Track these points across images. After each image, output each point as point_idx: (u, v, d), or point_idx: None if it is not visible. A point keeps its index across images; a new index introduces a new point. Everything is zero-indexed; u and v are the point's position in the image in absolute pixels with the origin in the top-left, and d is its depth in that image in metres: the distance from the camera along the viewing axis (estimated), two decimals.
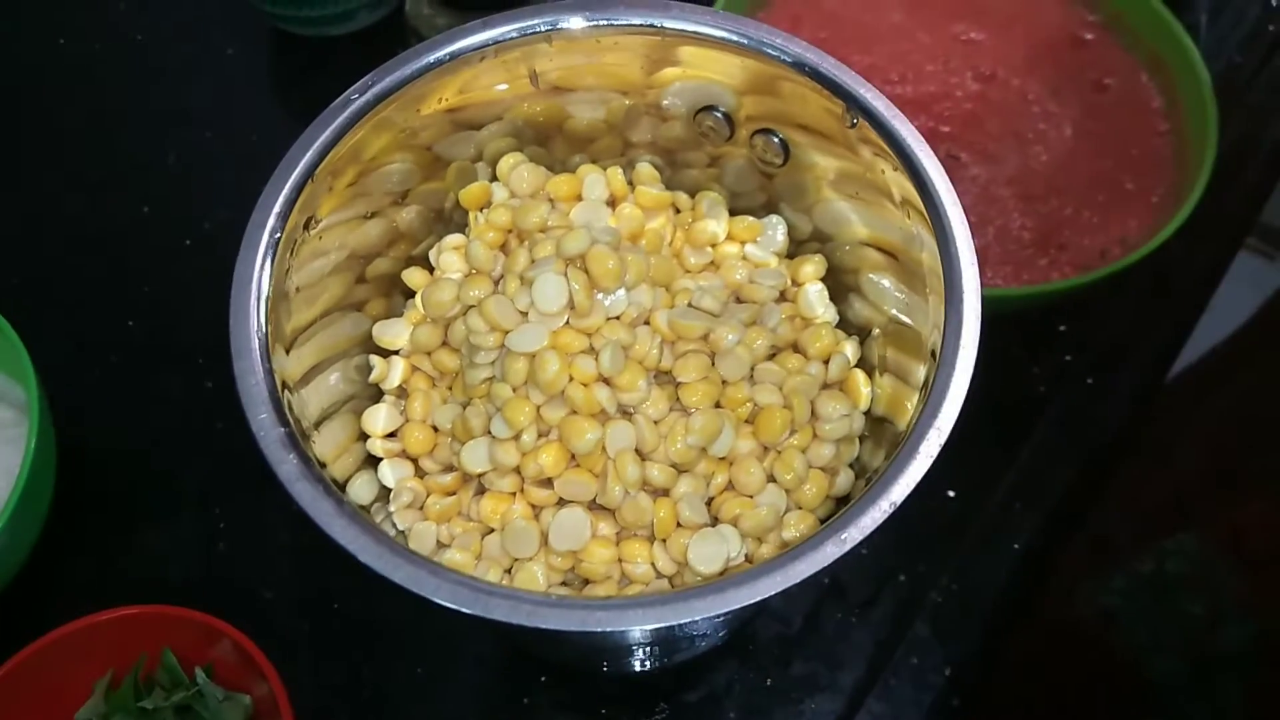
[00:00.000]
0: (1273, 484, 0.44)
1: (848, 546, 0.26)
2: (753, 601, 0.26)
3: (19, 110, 0.64)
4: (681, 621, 0.25)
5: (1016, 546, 0.49)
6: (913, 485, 0.28)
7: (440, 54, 0.34)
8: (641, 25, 0.35)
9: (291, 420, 0.29)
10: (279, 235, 0.31)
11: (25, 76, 0.65)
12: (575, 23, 0.35)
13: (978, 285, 0.31)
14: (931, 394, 0.30)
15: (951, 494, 0.50)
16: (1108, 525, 0.49)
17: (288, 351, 0.31)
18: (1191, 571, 0.45)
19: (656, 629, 0.26)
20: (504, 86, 0.37)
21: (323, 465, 0.29)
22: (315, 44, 0.63)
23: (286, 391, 0.30)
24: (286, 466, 0.27)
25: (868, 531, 0.27)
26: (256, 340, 0.29)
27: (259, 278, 0.30)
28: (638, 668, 0.42)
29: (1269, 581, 0.42)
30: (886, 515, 0.27)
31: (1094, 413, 0.53)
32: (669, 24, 0.35)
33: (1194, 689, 0.44)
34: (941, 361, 0.30)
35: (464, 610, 0.25)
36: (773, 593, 0.26)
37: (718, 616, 0.26)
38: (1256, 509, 0.43)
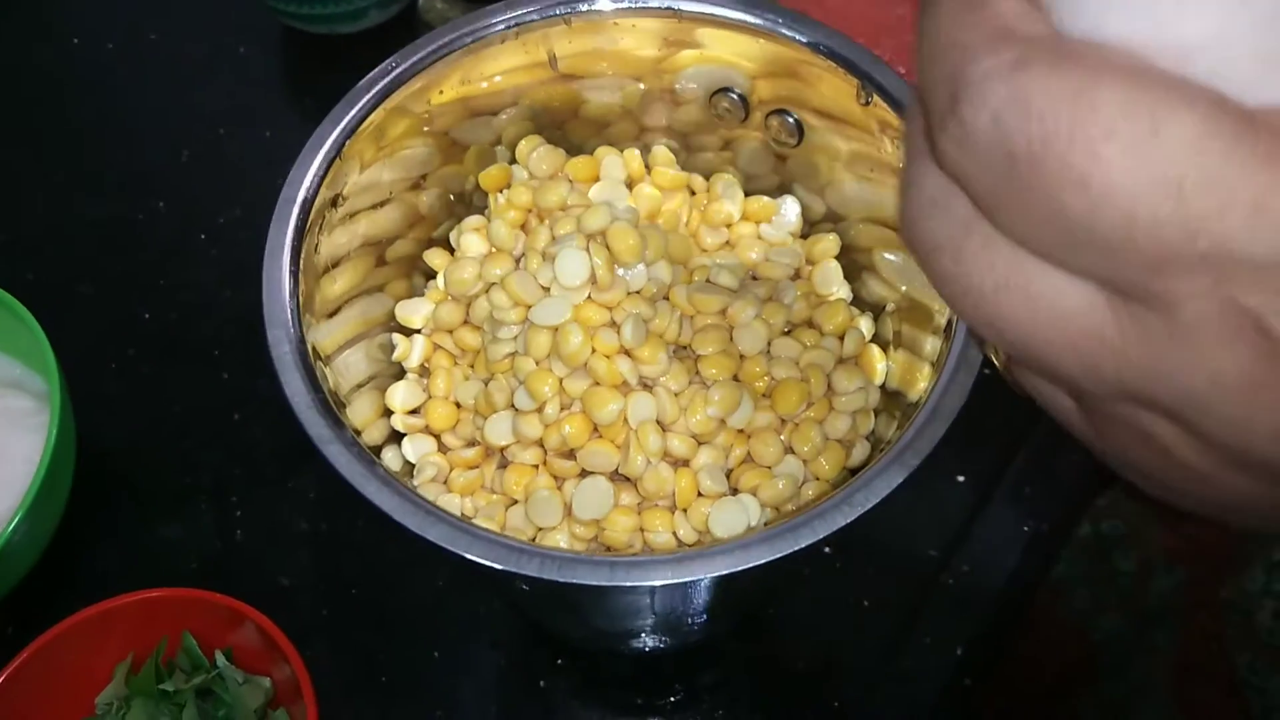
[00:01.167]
0: None
1: (872, 502, 0.27)
2: (775, 558, 0.26)
3: (36, 109, 0.65)
4: (704, 576, 0.26)
5: (1026, 529, 0.50)
6: (925, 453, 0.29)
7: (463, 33, 0.35)
8: (659, 8, 0.36)
9: (326, 389, 0.29)
10: (309, 210, 0.31)
11: (42, 76, 0.66)
12: (595, 4, 0.36)
13: None
14: (944, 367, 0.30)
15: (961, 478, 0.51)
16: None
17: (317, 323, 0.32)
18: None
19: (679, 584, 0.26)
20: (523, 71, 0.37)
21: (357, 433, 0.29)
22: (327, 42, 0.64)
23: (319, 362, 0.30)
24: (320, 430, 0.28)
25: (893, 485, 0.27)
26: (289, 310, 0.30)
27: (290, 249, 0.31)
28: (650, 645, 0.43)
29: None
30: (903, 477, 0.28)
31: None
32: (686, 7, 0.36)
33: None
34: (954, 336, 0.31)
35: (496, 566, 0.26)
36: (797, 548, 0.26)
37: (737, 572, 0.26)
38: None
